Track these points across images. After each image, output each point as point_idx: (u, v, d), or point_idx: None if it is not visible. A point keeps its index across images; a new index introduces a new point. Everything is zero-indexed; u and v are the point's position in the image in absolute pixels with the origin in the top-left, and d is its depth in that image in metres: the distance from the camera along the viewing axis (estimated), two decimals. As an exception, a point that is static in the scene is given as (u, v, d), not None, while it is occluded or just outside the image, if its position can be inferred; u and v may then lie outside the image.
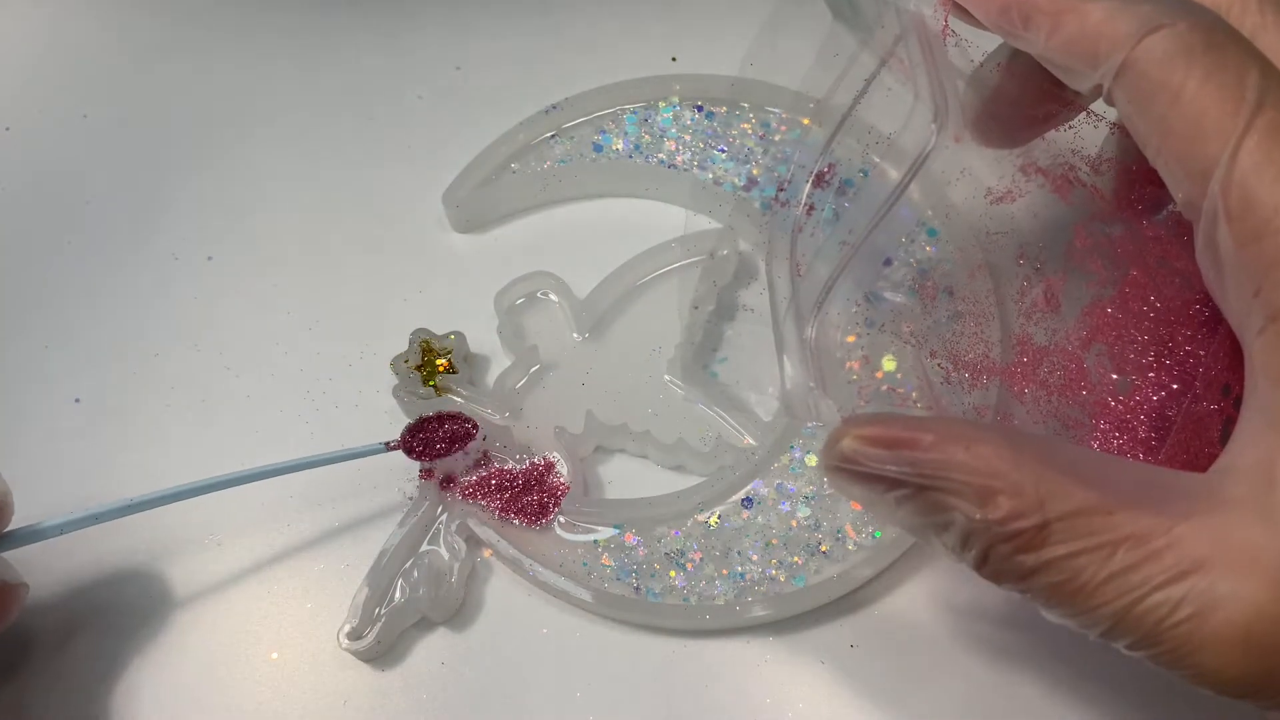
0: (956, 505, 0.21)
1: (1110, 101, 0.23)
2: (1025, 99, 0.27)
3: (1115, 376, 0.29)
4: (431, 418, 0.31)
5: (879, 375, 0.31)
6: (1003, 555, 0.21)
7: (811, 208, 0.28)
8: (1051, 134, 0.31)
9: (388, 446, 0.31)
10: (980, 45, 0.28)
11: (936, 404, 0.30)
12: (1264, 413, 0.21)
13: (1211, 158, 0.21)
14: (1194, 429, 0.27)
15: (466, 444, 0.31)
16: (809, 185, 0.28)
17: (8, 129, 0.40)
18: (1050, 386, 0.29)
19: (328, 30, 0.42)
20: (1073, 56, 0.23)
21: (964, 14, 0.25)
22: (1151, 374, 0.28)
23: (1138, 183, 0.26)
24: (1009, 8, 0.23)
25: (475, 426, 0.31)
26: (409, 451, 0.31)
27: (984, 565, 0.21)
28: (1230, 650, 0.19)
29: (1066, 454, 0.21)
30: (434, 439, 0.31)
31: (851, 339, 0.33)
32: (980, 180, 0.32)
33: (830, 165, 0.28)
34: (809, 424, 0.29)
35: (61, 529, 0.28)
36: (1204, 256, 0.22)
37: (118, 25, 0.42)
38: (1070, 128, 0.30)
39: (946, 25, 0.27)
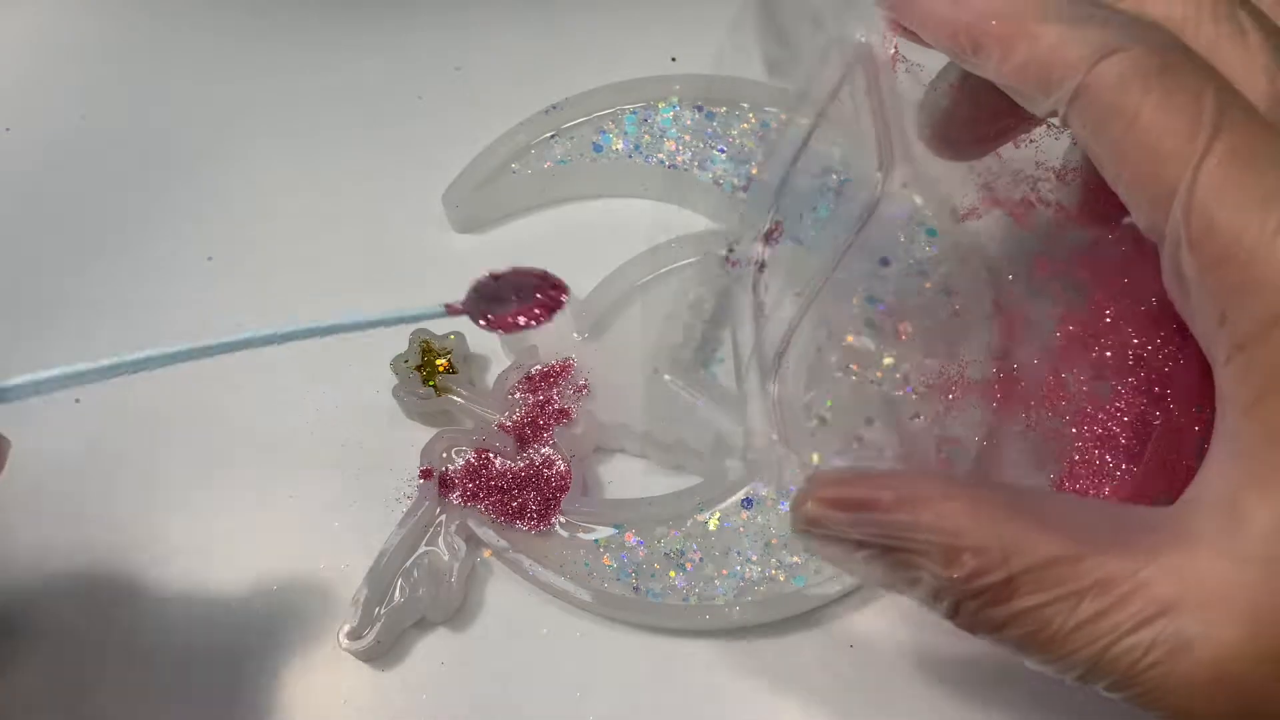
0: (922, 564, 0.21)
1: (1066, 125, 0.22)
2: (980, 116, 0.27)
3: (1087, 389, 0.29)
4: (504, 273, 0.25)
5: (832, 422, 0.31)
6: (972, 610, 0.21)
7: (763, 265, 0.28)
8: (1012, 151, 0.31)
9: (448, 310, 0.25)
10: (933, 68, 0.28)
11: (910, 450, 0.30)
12: (1231, 443, 0.20)
13: (1171, 183, 0.20)
14: (1170, 444, 0.27)
15: (550, 313, 0.25)
16: (759, 243, 0.29)
17: (8, 129, 0.40)
18: (1029, 399, 0.29)
19: (328, 30, 0.42)
20: (1026, 82, 0.22)
21: (915, 36, 0.25)
22: (1130, 379, 0.28)
23: (1104, 191, 0.26)
24: (957, 34, 0.23)
25: (561, 291, 0.25)
26: (477, 317, 0.25)
27: (956, 618, 0.22)
28: (1204, 691, 0.19)
29: (1030, 501, 0.21)
30: (505, 298, 0.25)
31: (851, 339, 0.33)
32: (946, 197, 0.32)
33: (777, 223, 0.28)
34: (782, 485, 0.30)
35: (37, 388, 0.25)
36: (1169, 280, 0.21)
37: (118, 25, 0.42)
38: (1031, 141, 0.30)
39: (896, 52, 0.26)
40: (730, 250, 0.31)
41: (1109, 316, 0.29)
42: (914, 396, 0.31)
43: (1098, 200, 0.24)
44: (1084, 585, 0.20)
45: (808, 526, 0.23)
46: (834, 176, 0.29)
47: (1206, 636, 0.19)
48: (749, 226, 0.31)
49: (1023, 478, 0.29)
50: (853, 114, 0.27)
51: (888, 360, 0.33)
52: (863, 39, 0.26)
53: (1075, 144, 0.28)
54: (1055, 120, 0.22)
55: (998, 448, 0.30)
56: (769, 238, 0.28)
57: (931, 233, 0.34)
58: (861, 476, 0.22)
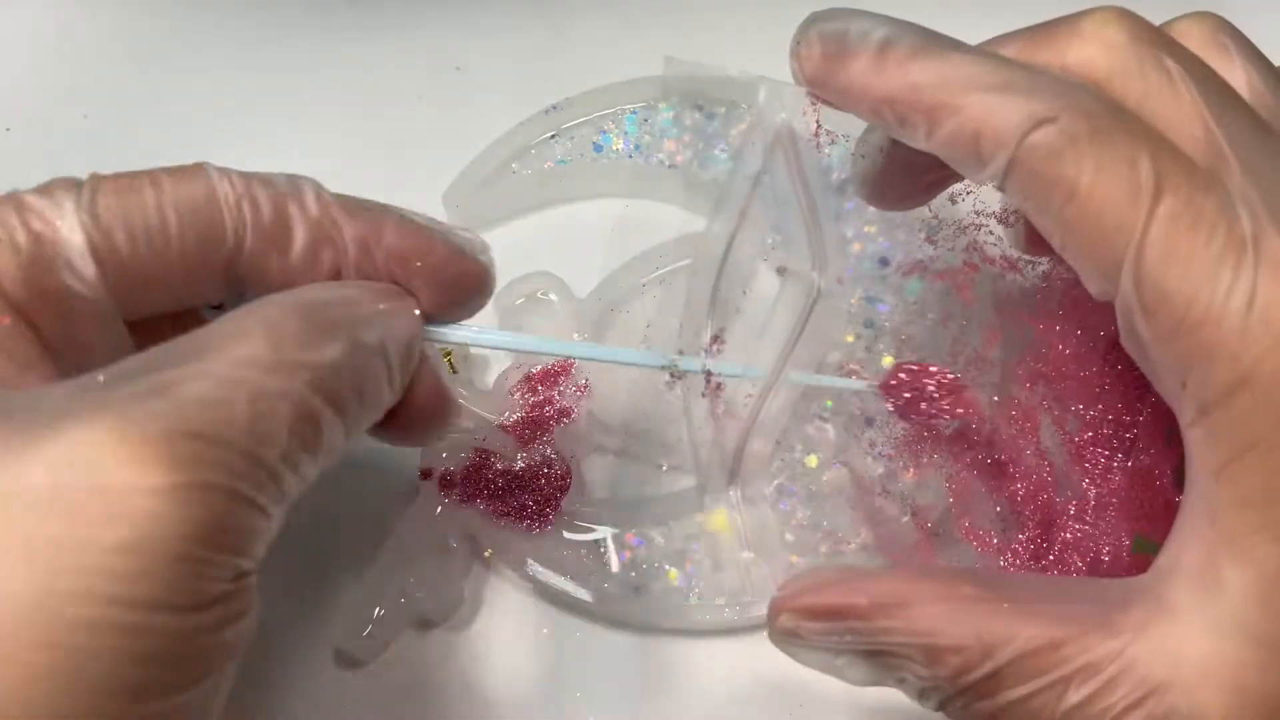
0: (904, 666, 0.21)
1: (1004, 191, 0.22)
2: (914, 171, 0.26)
3: (1057, 425, 0.29)
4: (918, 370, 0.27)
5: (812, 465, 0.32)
6: (960, 706, 0.21)
7: (709, 374, 0.29)
8: (948, 208, 0.31)
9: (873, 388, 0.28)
10: (858, 136, 0.28)
11: (880, 528, 0.30)
12: (1203, 507, 0.20)
13: (1118, 253, 0.20)
14: (1144, 481, 0.27)
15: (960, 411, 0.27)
16: (701, 355, 0.29)
17: (8, 129, 0.40)
18: (1000, 442, 0.30)
19: (328, 30, 0.42)
20: (957, 154, 0.21)
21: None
22: (1094, 412, 0.28)
23: None
24: (880, 108, 0.22)
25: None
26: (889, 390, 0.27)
27: (945, 711, 0.21)
28: None
29: (1006, 587, 0.21)
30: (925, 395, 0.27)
31: (851, 339, 0.33)
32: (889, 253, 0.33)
33: (719, 331, 0.28)
34: (749, 596, 0.30)
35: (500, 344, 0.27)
36: (1128, 342, 0.21)
37: (118, 25, 0.42)
38: (969, 193, 0.30)
39: (819, 127, 0.26)
40: (673, 365, 0.32)
41: (1070, 364, 0.29)
42: (881, 454, 0.31)
43: (1043, 239, 0.23)
44: (1069, 671, 0.20)
45: (784, 640, 0.23)
46: (774, 254, 0.29)
47: (1196, 716, 0.19)
48: (686, 340, 0.31)
49: (997, 523, 0.30)
50: (777, 203, 0.27)
51: (888, 360, 0.33)
52: (784, 116, 0.26)
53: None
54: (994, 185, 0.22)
55: (966, 490, 0.30)
56: (710, 348, 0.28)
57: (933, 231, 0.34)
58: (835, 581, 0.22)
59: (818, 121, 0.25)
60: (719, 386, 0.29)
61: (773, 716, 0.29)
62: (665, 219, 0.37)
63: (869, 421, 0.32)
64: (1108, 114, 0.20)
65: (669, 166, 0.37)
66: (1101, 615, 0.20)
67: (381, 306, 0.22)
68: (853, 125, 0.26)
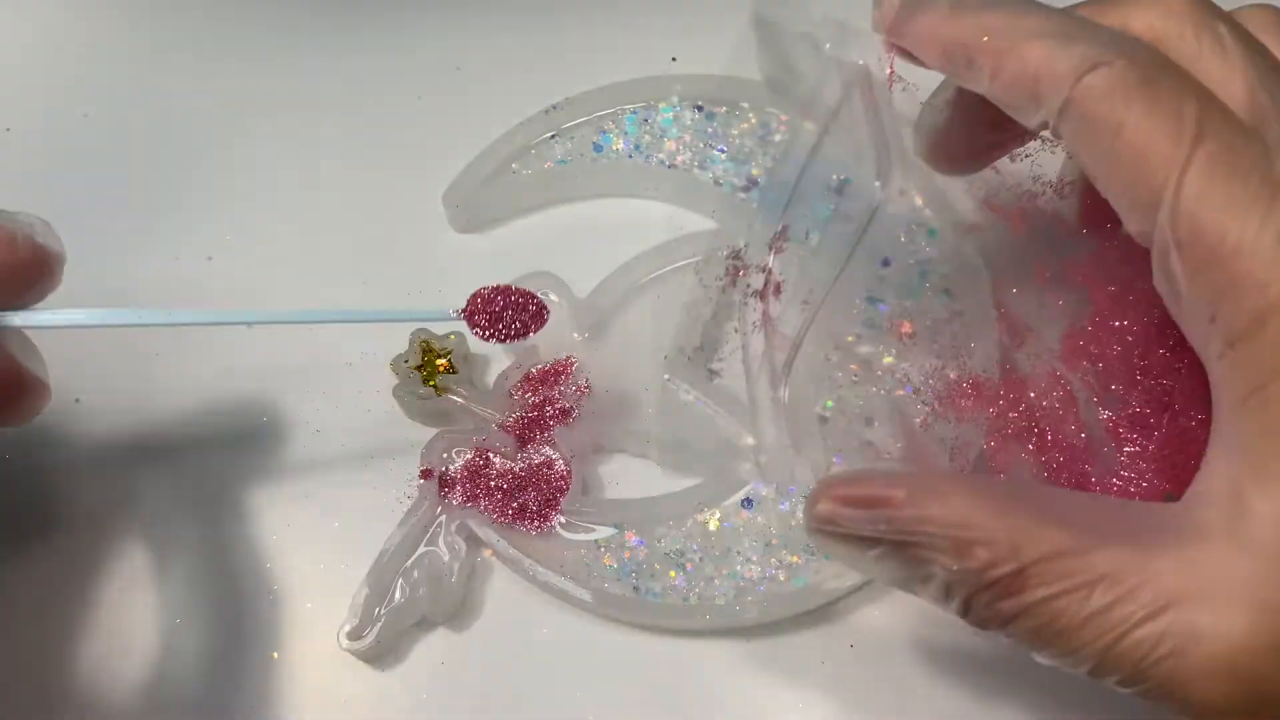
0: (934, 558, 0.21)
1: (1057, 136, 0.23)
2: (974, 130, 0.28)
3: (1097, 400, 0.29)
4: (501, 290, 0.29)
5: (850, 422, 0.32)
6: (984, 603, 0.21)
7: (769, 272, 0.29)
8: (1009, 166, 0.32)
9: (457, 314, 0.29)
10: (928, 88, 0.29)
11: (916, 450, 0.30)
12: (1230, 436, 0.21)
13: (1157, 190, 0.21)
14: (1178, 444, 0.27)
15: (537, 326, 0.29)
16: (766, 251, 0.29)
17: (8, 129, 0.40)
18: (1035, 408, 0.29)
19: (328, 30, 0.42)
20: (1017, 96, 0.23)
21: (910, 56, 0.26)
22: (1137, 390, 0.28)
23: (1101, 202, 0.27)
24: (951, 52, 0.24)
25: (544, 310, 0.29)
26: (472, 320, 0.29)
27: (968, 613, 0.22)
28: (1215, 683, 0.19)
29: (1040, 496, 0.22)
30: (501, 314, 0.29)
31: (851, 339, 0.33)
32: (949, 205, 0.33)
33: (783, 228, 0.29)
34: (790, 487, 0.30)
35: (100, 321, 0.27)
36: (1160, 282, 0.22)
37: (118, 25, 0.42)
38: (1026, 155, 0.31)
39: (892, 72, 0.27)
40: (736, 256, 0.32)
41: (1114, 321, 0.29)
42: (914, 395, 0.32)
43: (1096, 211, 0.24)
44: (1094, 577, 0.20)
45: (821, 525, 0.23)
46: (835, 177, 0.30)
47: (1215, 629, 0.19)
48: (756, 234, 0.31)
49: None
50: (851, 129, 0.28)
51: (888, 359, 0.33)
52: (860, 61, 0.27)
53: (1071, 158, 0.29)
54: (1047, 133, 0.23)
55: (1003, 449, 0.30)
56: (774, 245, 0.29)
57: (932, 233, 0.34)
58: (872, 476, 0.23)
59: (892, 67, 0.27)
60: (778, 289, 0.29)
61: (772, 716, 0.29)
62: (665, 219, 0.37)
63: (869, 421, 0.32)
64: (1159, 65, 0.22)
65: (669, 166, 0.37)
66: (1131, 529, 0.21)
67: None
68: (922, 77, 0.27)
